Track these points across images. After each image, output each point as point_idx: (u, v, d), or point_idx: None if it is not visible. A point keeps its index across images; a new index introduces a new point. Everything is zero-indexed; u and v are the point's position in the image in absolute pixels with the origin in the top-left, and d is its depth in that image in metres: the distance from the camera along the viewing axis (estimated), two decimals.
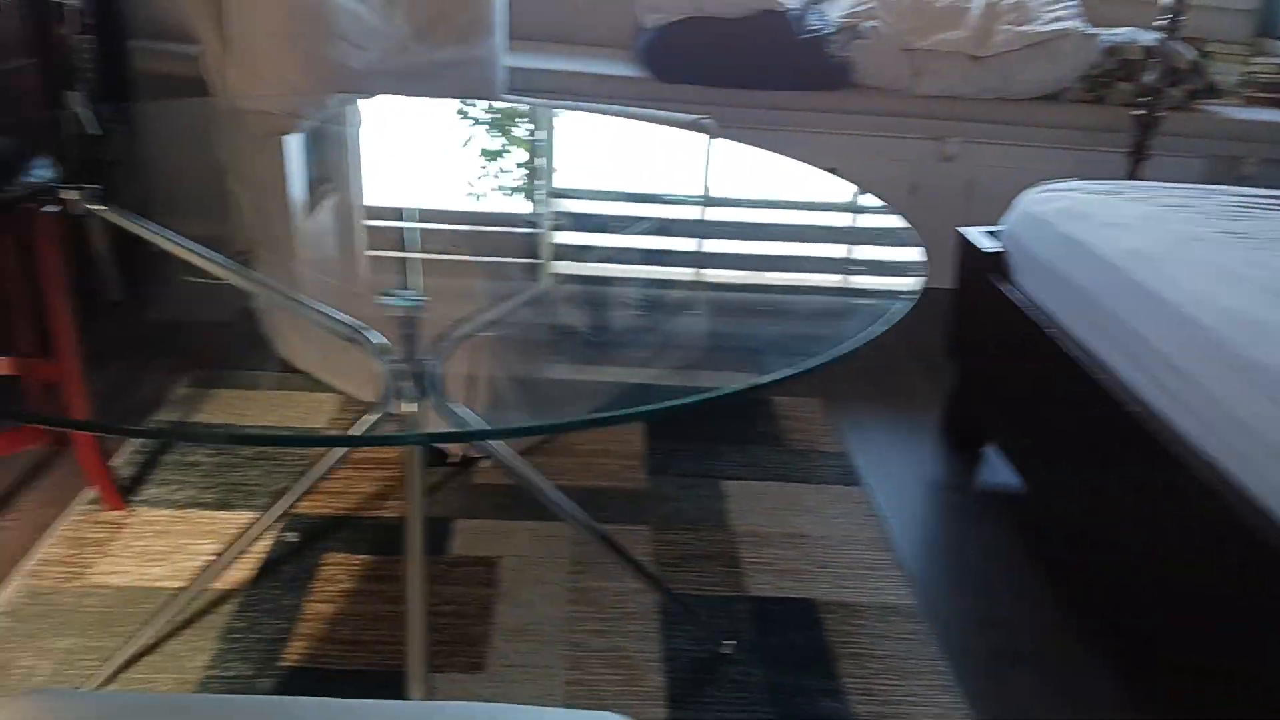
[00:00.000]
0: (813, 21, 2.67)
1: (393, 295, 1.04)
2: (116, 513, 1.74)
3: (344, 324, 1.29)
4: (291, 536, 1.72)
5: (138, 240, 2.77)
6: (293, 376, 2.23)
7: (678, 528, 1.82)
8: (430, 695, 1.21)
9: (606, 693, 1.44)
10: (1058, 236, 1.71)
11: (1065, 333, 1.69)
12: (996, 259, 1.95)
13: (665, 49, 2.55)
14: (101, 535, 1.68)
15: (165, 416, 2.04)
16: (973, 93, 2.69)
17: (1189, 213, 1.71)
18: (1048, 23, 2.68)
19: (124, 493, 1.78)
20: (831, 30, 2.64)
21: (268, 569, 1.64)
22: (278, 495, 1.82)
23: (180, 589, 1.55)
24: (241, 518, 1.76)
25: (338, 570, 1.64)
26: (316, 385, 2.19)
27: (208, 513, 1.76)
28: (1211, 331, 1.35)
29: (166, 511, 1.76)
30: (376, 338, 1.29)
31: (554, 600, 1.62)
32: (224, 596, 1.56)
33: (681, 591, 1.66)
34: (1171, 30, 2.56)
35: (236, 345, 2.39)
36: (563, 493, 1.54)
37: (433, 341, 1.35)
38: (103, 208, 1.16)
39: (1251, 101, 3.06)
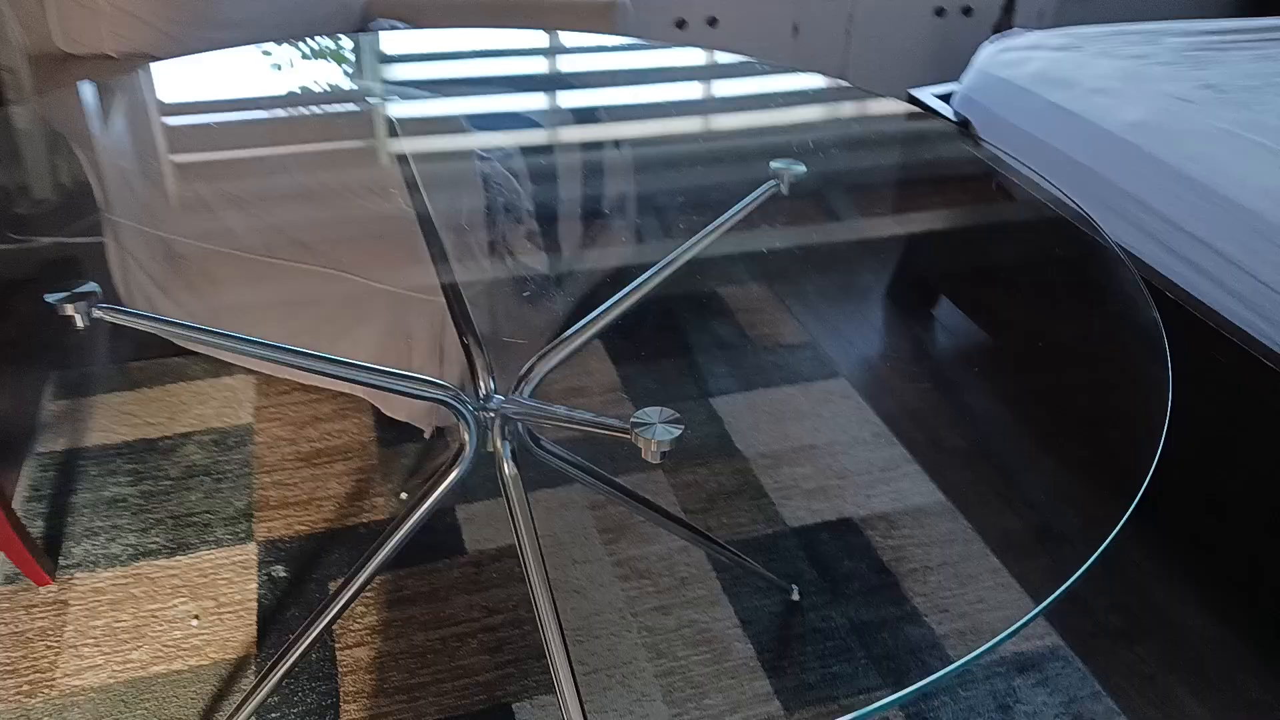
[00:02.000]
0: None
1: (646, 424, 0.80)
2: (47, 588, 1.44)
3: (429, 384, 1.04)
4: (280, 571, 1.48)
5: None
6: (183, 360, 1.90)
7: (690, 465, 1.72)
8: None
9: (701, 676, 1.36)
10: (1045, 106, 1.64)
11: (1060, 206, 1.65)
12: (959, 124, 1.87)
13: None
14: (45, 623, 1.38)
15: (50, 445, 1.69)
16: None
17: (1156, 64, 1.68)
18: None
19: (45, 558, 1.47)
20: None
21: (270, 620, 1.41)
22: (235, 519, 1.56)
23: (178, 671, 1.31)
24: (207, 558, 1.49)
25: (355, 606, 1.44)
26: (219, 367, 1.87)
27: (163, 561, 1.49)
28: (1254, 214, 1.33)
29: (111, 572, 1.47)
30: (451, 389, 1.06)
31: (602, 582, 1.49)
32: (236, 665, 1.34)
33: (724, 538, 1.57)
34: None
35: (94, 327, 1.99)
36: (559, 446, 1.38)
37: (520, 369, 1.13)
38: (102, 313, 0.85)
39: None
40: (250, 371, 1.88)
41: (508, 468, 1.05)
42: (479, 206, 1.59)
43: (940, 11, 2.76)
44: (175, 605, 1.42)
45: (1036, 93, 1.66)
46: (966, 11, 2.77)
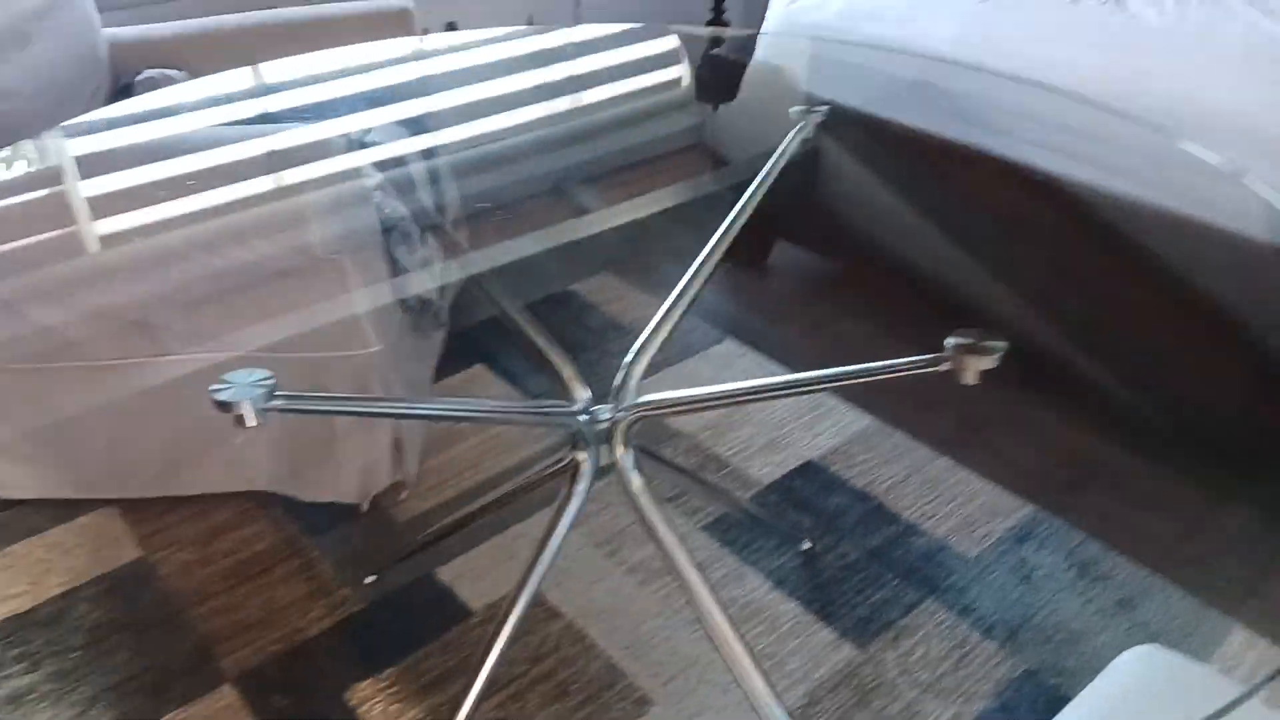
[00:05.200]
0: None
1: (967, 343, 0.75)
2: None
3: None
4: (281, 699, 1.28)
5: None
6: (8, 514, 1.57)
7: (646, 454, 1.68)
8: None
9: (769, 647, 1.35)
10: (866, 38, 1.77)
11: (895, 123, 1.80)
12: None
13: None
14: None
15: None
16: None
17: None
18: None
19: None
20: None
21: None
22: (191, 666, 1.32)
23: None
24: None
25: (387, 706, 1.27)
26: (66, 510, 1.57)
27: None
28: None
29: None
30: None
31: (627, 594, 1.43)
32: None
33: (710, 516, 1.56)
34: None
35: None
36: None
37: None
38: (282, 401, 0.65)
39: None
40: (107, 501, 1.58)
41: (634, 480, 0.98)
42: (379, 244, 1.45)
43: None
44: None
45: (856, 28, 1.78)
46: None
